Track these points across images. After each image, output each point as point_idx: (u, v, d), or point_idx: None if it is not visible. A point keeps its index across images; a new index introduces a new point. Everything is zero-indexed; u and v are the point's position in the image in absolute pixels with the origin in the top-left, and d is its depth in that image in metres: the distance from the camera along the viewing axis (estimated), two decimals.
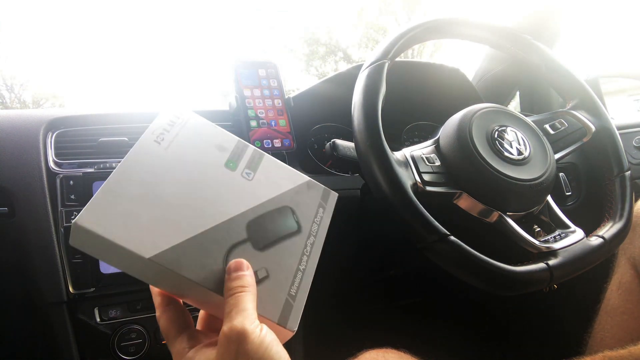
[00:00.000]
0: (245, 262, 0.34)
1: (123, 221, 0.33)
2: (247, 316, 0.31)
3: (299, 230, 0.39)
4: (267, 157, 0.42)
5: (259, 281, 0.35)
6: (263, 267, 0.36)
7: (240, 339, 0.30)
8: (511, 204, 0.53)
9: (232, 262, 0.34)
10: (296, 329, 0.35)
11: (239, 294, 0.32)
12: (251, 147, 0.42)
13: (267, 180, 0.41)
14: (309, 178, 0.43)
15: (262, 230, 0.38)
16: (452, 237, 0.47)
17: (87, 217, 0.32)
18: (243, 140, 0.42)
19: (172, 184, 0.36)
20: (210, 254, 0.34)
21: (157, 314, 0.36)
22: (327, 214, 0.42)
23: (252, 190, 0.39)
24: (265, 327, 0.32)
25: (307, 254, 0.39)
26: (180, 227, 0.34)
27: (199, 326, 0.39)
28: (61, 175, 0.60)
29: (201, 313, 0.40)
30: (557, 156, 0.59)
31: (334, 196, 0.44)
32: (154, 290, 0.37)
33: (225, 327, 0.31)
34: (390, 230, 0.72)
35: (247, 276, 0.33)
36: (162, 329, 0.35)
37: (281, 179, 0.41)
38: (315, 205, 0.42)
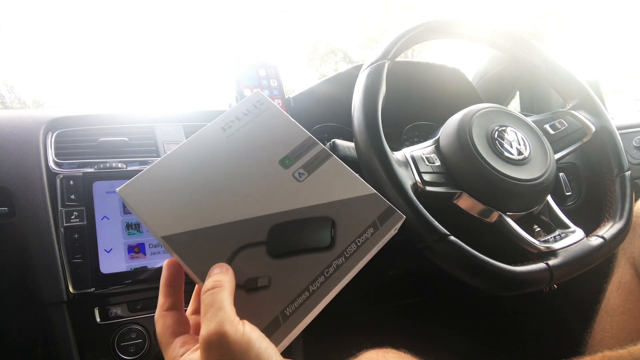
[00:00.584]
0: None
1: (153, 198, 0.36)
2: (224, 317, 0.29)
3: (330, 246, 0.34)
4: (333, 160, 0.38)
5: (255, 289, 0.33)
6: (267, 275, 0.33)
7: (221, 342, 0.28)
8: (511, 204, 0.53)
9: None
10: (281, 349, 0.32)
11: (212, 290, 0.31)
12: (319, 147, 0.39)
13: (319, 185, 0.37)
14: (375, 191, 0.37)
15: (284, 237, 0.35)
16: (452, 237, 0.47)
17: (126, 188, 0.36)
18: (313, 138, 0.39)
19: (217, 171, 0.37)
20: (218, 249, 0.34)
21: (156, 315, 0.35)
22: (376, 237, 0.35)
23: (297, 192, 0.36)
24: (247, 323, 0.30)
25: (327, 274, 0.33)
26: (202, 215, 0.35)
27: (192, 330, 0.37)
28: (61, 175, 0.60)
29: (193, 318, 0.38)
30: (557, 156, 0.59)
31: (396, 218, 0.36)
32: (161, 290, 0.36)
33: (203, 331, 0.29)
34: None
35: (221, 272, 0.32)
36: (157, 333, 0.34)
37: (338, 187, 0.37)
38: (365, 223, 0.35)
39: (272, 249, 0.34)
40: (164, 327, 0.34)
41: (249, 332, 0.29)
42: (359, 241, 0.35)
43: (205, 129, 0.39)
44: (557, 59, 0.64)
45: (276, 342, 0.31)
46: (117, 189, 0.36)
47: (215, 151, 0.38)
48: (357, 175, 0.38)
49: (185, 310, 0.38)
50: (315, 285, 0.33)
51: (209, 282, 0.31)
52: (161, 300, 0.35)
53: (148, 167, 0.37)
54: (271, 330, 0.32)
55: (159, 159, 0.38)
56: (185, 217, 0.35)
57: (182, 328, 0.35)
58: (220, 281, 0.31)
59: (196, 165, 0.37)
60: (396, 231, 0.37)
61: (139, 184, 0.36)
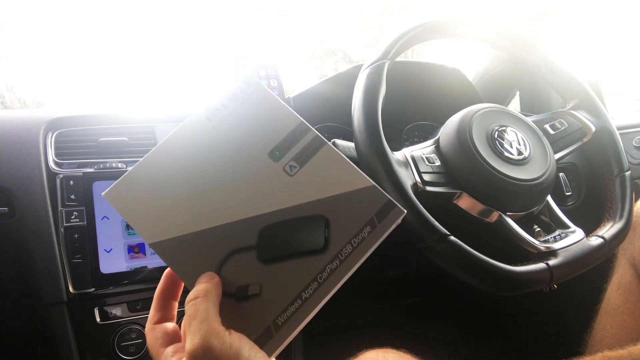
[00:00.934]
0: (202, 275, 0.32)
1: (140, 201, 0.34)
2: (208, 329, 0.28)
3: (323, 249, 0.32)
4: (327, 148, 0.34)
5: (246, 297, 0.31)
6: (258, 283, 0.31)
7: (208, 356, 0.27)
8: (511, 204, 0.53)
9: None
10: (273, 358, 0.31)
11: (195, 301, 0.30)
12: (311, 134, 0.35)
13: (312, 179, 0.33)
14: (373, 183, 0.33)
15: (275, 241, 0.32)
16: (452, 237, 0.47)
17: (112, 191, 0.35)
18: (306, 124, 0.35)
19: (203, 169, 0.34)
20: (207, 255, 0.32)
21: (146, 329, 0.35)
22: (374, 236, 0.32)
23: (289, 188, 0.33)
24: (234, 333, 0.29)
25: (320, 280, 0.31)
26: (189, 218, 0.33)
27: (184, 339, 0.36)
28: (61, 175, 0.60)
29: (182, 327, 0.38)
30: (557, 156, 0.59)
31: (396, 214, 0.32)
32: (153, 302, 0.36)
33: (188, 345, 0.28)
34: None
35: (204, 282, 0.31)
36: (148, 345, 0.34)
37: (333, 179, 0.33)
38: (362, 221, 0.32)
39: (262, 253, 0.32)
40: (153, 339, 0.34)
41: (237, 343, 0.28)
42: (355, 242, 0.32)
43: (190, 120, 0.36)
44: (557, 59, 0.64)
45: (269, 353, 0.30)
46: (103, 193, 0.35)
47: (200, 145, 0.35)
48: (353, 165, 0.34)
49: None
50: (308, 292, 0.31)
51: (191, 293, 0.30)
52: (151, 313, 0.35)
53: (132, 166, 0.35)
54: (263, 341, 0.30)
55: (144, 156, 0.36)
56: (173, 221, 0.33)
57: (172, 338, 0.34)
58: (204, 290, 0.30)
59: (181, 162, 0.35)
60: (397, 226, 0.33)
61: (124, 186, 0.35)
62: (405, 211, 0.33)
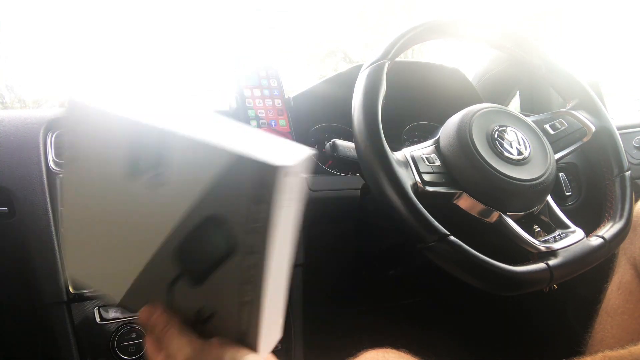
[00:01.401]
0: (147, 310, 0.32)
1: (88, 272, 0.34)
2: (173, 354, 0.30)
3: (232, 249, 0.27)
4: (175, 136, 0.26)
5: (207, 319, 0.30)
6: (205, 304, 0.30)
7: None
8: (511, 204, 0.53)
9: (139, 318, 0.32)
10: (265, 354, 0.30)
11: (165, 335, 0.31)
12: (154, 129, 0.27)
13: (184, 176, 0.27)
14: (234, 150, 0.25)
15: (194, 257, 0.28)
16: (452, 237, 0.47)
17: (71, 270, 0.35)
18: (141, 122, 0.27)
19: (95, 216, 0.31)
20: (155, 295, 0.31)
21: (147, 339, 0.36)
22: (274, 210, 0.25)
23: (168, 199, 0.27)
24: (208, 344, 0.30)
25: (251, 280, 0.27)
26: (124, 271, 0.32)
27: None
28: (61, 175, 0.60)
29: None
30: (557, 156, 0.59)
31: (282, 173, 0.24)
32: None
33: None
34: (390, 230, 0.72)
35: (157, 320, 0.31)
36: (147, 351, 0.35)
37: (201, 168, 0.26)
38: (244, 201, 0.25)
39: (192, 275, 0.29)
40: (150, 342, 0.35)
41: (218, 349, 0.30)
42: (255, 226, 0.25)
43: (67, 172, 0.34)
44: (557, 59, 0.64)
45: (261, 350, 0.30)
46: (68, 278, 0.36)
47: (79, 199, 0.32)
48: (211, 140, 0.26)
49: None
50: (247, 296, 0.27)
51: (155, 333, 0.31)
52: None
53: (64, 230, 0.34)
54: (246, 346, 0.30)
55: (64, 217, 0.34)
56: (116, 278, 0.32)
57: None
58: (159, 324, 0.31)
59: (82, 211, 0.32)
60: (304, 172, 0.27)
61: (75, 258, 0.34)
62: (304, 155, 0.26)
